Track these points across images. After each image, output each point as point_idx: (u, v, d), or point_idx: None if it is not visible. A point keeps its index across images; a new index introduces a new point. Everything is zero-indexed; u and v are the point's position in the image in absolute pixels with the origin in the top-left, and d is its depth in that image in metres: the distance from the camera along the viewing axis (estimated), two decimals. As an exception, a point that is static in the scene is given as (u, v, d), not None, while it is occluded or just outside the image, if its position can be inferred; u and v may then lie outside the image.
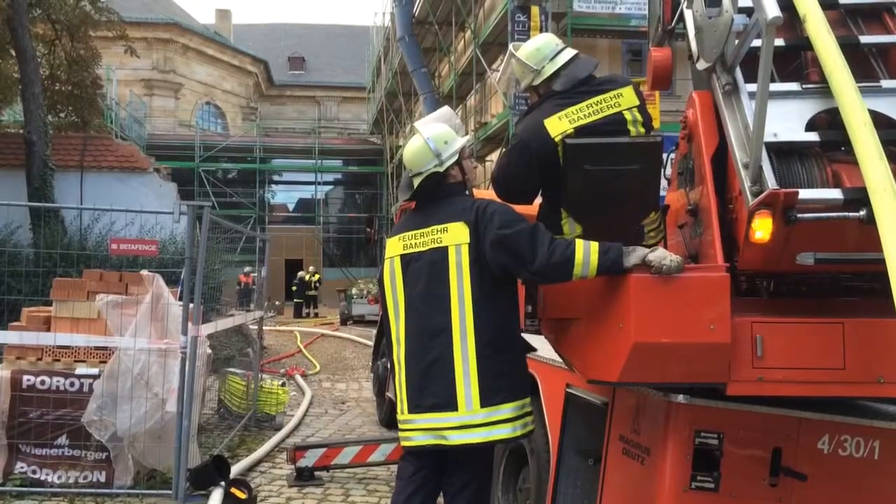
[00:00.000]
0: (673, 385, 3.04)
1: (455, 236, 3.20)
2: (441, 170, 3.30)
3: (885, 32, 3.51)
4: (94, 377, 5.53)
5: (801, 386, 2.87)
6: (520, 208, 3.66)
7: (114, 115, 21.75)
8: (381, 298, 3.63)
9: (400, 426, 3.36)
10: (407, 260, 3.32)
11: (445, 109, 3.98)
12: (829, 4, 3.55)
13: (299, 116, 48.49)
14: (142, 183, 15.68)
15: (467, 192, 3.49)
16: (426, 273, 3.23)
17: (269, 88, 49.18)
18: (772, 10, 2.72)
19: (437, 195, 3.33)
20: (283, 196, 41.37)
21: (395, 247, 3.40)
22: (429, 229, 3.28)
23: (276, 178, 40.10)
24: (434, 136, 3.35)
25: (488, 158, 21.78)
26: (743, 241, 2.94)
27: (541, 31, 16.53)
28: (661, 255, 2.87)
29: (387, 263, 3.42)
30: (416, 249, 3.29)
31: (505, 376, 3.19)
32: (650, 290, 2.88)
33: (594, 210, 3.36)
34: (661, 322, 2.86)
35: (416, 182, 3.35)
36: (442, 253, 3.21)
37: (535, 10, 16.57)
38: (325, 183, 40.54)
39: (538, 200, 3.65)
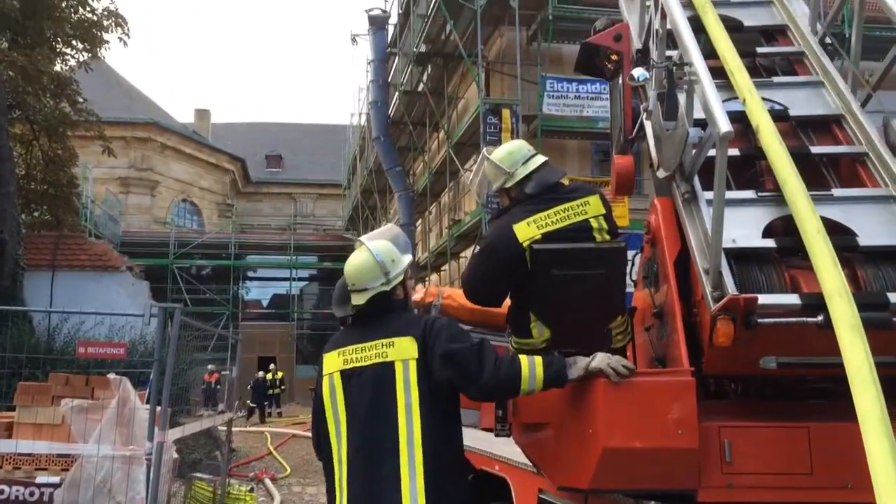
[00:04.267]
0: (644, 491, 3.02)
1: (402, 351, 3.08)
2: (388, 289, 3.20)
3: (834, 143, 3.69)
4: (56, 486, 5.35)
5: (770, 492, 2.86)
6: (489, 309, 3.71)
7: (89, 213, 21.80)
8: (314, 418, 3.35)
9: None
10: (348, 375, 3.14)
11: (392, 226, 3.99)
12: (780, 116, 3.74)
13: (275, 213, 48.81)
14: (114, 281, 15.59)
15: (409, 310, 3.42)
16: (370, 389, 3.08)
17: (245, 185, 49.66)
18: (724, 125, 2.86)
19: (380, 311, 3.22)
20: (258, 292, 41.15)
21: (333, 362, 3.22)
22: (372, 343, 3.13)
23: (250, 274, 39.99)
24: (383, 252, 3.26)
25: (462, 255, 21.98)
26: (707, 346, 2.99)
27: (512, 132, 17.04)
28: (603, 360, 2.91)
29: (325, 381, 3.22)
30: (359, 364, 3.13)
31: (452, 497, 3.07)
32: (618, 394, 2.90)
33: (562, 313, 3.41)
34: (630, 427, 2.87)
35: (358, 298, 3.22)
36: (388, 368, 3.07)
37: (506, 112, 17.12)
38: (300, 279, 40.48)
39: (507, 303, 3.70)
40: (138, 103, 43.59)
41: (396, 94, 24.88)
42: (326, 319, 38.27)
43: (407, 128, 24.68)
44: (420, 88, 23.41)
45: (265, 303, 41.11)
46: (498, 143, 17.16)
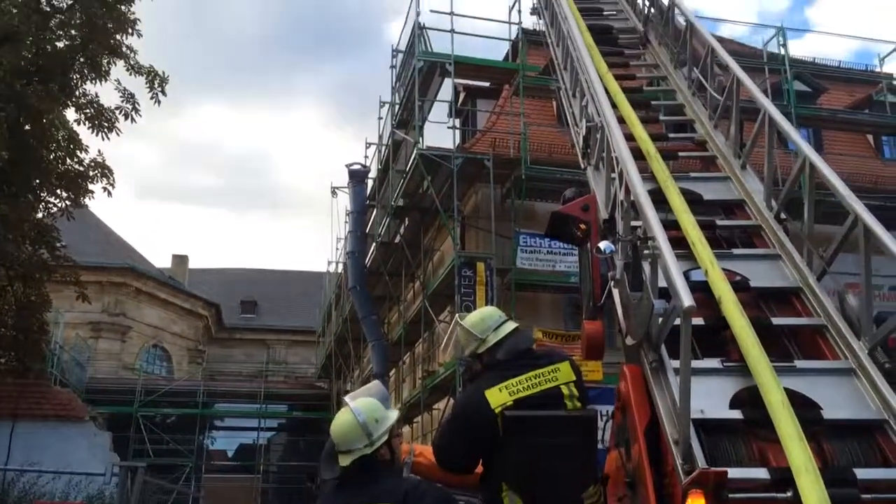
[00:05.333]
0: None
1: None
2: (370, 451, 3.14)
3: (794, 314, 3.84)
4: None
5: None
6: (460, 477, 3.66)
7: (56, 358, 21.37)
8: None
9: None
10: None
11: (376, 384, 3.99)
12: (741, 287, 3.91)
13: (247, 359, 48.08)
14: (76, 433, 15.07)
15: (395, 470, 3.35)
16: None
17: (218, 331, 49.22)
18: (686, 299, 2.98)
19: (365, 474, 3.16)
20: (223, 442, 39.68)
21: None
22: None
23: (217, 422, 38.80)
24: (366, 411, 3.21)
25: (435, 407, 21.65)
26: (681, 521, 2.96)
27: (486, 285, 17.29)
28: None
29: None
30: None
31: None
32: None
33: (534, 482, 3.38)
34: None
35: (343, 459, 3.17)
36: None
37: (480, 266, 17.43)
38: (269, 429, 39.32)
39: (478, 469, 3.66)
40: (116, 248, 43.84)
41: (374, 244, 25.34)
42: (293, 472, 36.90)
43: (383, 277, 24.95)
44: (397, 240, 23.90)
45: (230, 453, 39.63)
46: (472, 295, 17.38)
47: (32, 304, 15.79)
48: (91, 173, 15.51)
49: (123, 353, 40.42)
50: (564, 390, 3.51)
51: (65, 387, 19.78)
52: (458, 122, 20.69)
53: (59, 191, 15.95)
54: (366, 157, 26.17)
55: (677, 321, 3.21)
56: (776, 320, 3.75)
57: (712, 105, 5.70)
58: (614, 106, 5.52)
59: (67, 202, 16.03)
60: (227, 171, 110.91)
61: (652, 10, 7.53)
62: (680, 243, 3.92)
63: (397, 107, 22.60)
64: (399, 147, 22.79)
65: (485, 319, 3.79)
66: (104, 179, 15.55)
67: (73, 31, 14.91)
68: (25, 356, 15.70)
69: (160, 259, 56.48)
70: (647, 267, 3.53)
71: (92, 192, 15.82)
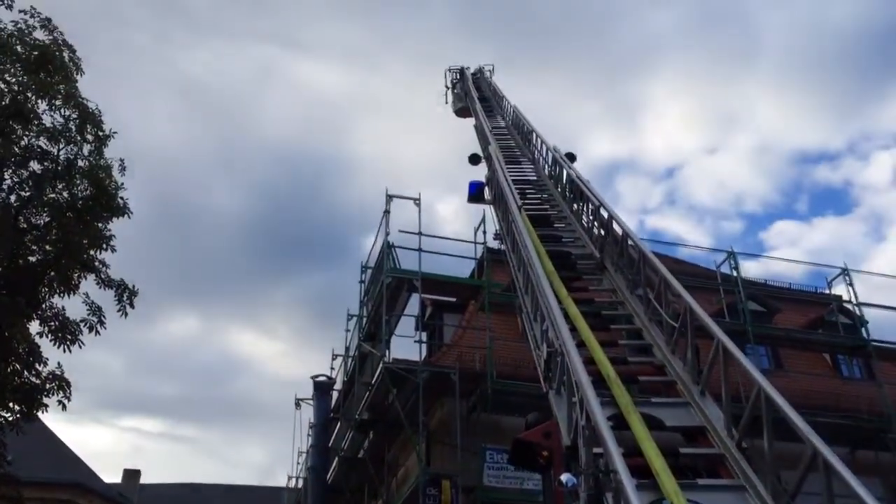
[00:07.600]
0: None
1: None
2: None
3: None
4: None
5: None
6: None
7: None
8: None
9: None
10: None
11: None
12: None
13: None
14: None
15: None
16: None
17: (165, 555, 45.77)
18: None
19: None
20: None
21: None
22: None
23: None
24: None
25: None
26: None
27: (451, 503, 16.63)
28: None
29: None
30: None
31: None
32: None
33: None
34: None
35: None
36: None
37: (445, 484, 16.83)
38: None
39: None
40: (64, 461, 41.59)
41: (336, 459, 24.51)
42: None
43: (344, 495, 23.92)
44: (360, 454, 23.19)
45: None
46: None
47: (-34, 527, 14.68)
48: (48, 386, 15.06)
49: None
50: None
51: None
52: (424, 336, 20.89)
53: (11, 403, 15.37)
54: (332, 368, 26.03)
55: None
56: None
57: (668, 330, 5.88)
58: (574, 329, 5.67)
59: (19, 416, 15.40)
60: (190, 379, 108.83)
61: (608, 237, 7.97)
62: (643, 471, 3.89)
63: (365, 319, 22.87)
64: (365, 359, 22.76)
65: None
66: (61, 392, 15.08)
67: (47, 247, 15.16)
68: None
69: (111, 473, 53.77)
70: (610, 501, 3.48)
71: (46, 405, 15.27)
